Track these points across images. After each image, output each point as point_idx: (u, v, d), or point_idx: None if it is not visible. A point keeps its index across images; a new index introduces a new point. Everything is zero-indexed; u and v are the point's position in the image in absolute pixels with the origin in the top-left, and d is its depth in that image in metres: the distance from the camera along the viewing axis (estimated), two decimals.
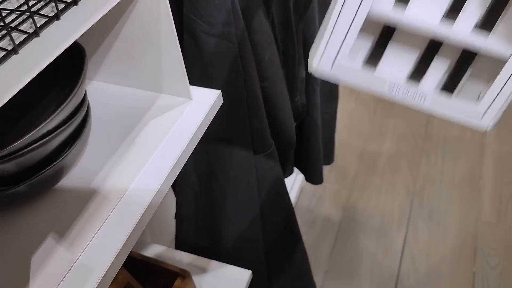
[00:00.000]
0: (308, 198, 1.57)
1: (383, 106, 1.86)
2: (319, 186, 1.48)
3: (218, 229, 0.96)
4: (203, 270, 0.91)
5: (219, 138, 0.77)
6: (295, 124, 0.85)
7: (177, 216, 0.99)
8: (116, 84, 0.63)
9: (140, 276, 0.70)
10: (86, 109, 0.50)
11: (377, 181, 1.60)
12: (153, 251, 0.95)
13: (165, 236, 1.27)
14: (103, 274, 0.44)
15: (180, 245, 1.04)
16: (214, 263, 0.93)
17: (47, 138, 0.44)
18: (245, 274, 0.90)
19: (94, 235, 0.46)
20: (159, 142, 0.55)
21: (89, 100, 0.60)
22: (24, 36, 0.37)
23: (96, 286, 0.43)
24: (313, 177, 1.07)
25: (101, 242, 0.46)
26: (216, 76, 0.69)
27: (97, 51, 0.60)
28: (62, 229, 0.47)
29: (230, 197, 0.89)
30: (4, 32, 0.36)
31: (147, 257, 0.80)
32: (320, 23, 0.76)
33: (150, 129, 0.57)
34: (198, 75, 0.68)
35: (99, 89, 0.63)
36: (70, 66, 0.48)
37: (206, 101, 0.60)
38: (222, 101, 0.63)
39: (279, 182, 0.85)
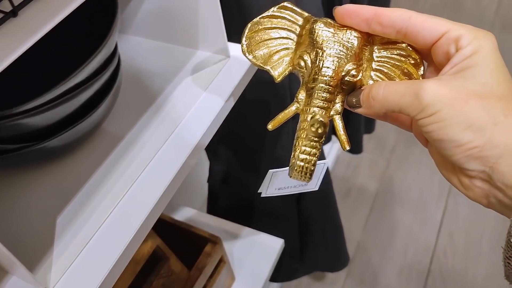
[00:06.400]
0: (344, 167, 1.53)
1: None
2: (355, 155, 1.43)
3: (251, 195, 0.94)
4: (234, 236, 0.89)
5: (255, 100, 0.73)
6: None
7: (210, 179, 0.96)
8: (152, 39, 0.60)
9: (170, 240, 0.69)
10: (116, 64, 0.46)
11: (417, 152, 1.53)
12: (184, 214, 0.93)
13: (197, 200, 1.26)
14: (136, 230, 0.41)
15: (212, 209, 1.02)
16: (246, 230, 0.90)
17: (74, 92, 0.41)
18: (277, 242, 0.87)
19: (125, 193, 0.44)
20: (195, 100, 0.52)
21: (123, 56, 0.57)
22: None
23: (126, 244, 0.41)
24: (352, 146, 1.02)
25: (133, 200, 0.43)
26: None
27: (131, 3, 0.56)
28: (93, 186, 0.45)
29: (265, 161, 0.85)
30: None
31: (178, 221, 0.78)
32: None
33: (185, 87, 0.53)
34: (237, 32, 0.63)
35: (134, 44, 0.60)
36: (102, 19, 0.45)
37: (245, 59, 0.56)
38: None
39: None
